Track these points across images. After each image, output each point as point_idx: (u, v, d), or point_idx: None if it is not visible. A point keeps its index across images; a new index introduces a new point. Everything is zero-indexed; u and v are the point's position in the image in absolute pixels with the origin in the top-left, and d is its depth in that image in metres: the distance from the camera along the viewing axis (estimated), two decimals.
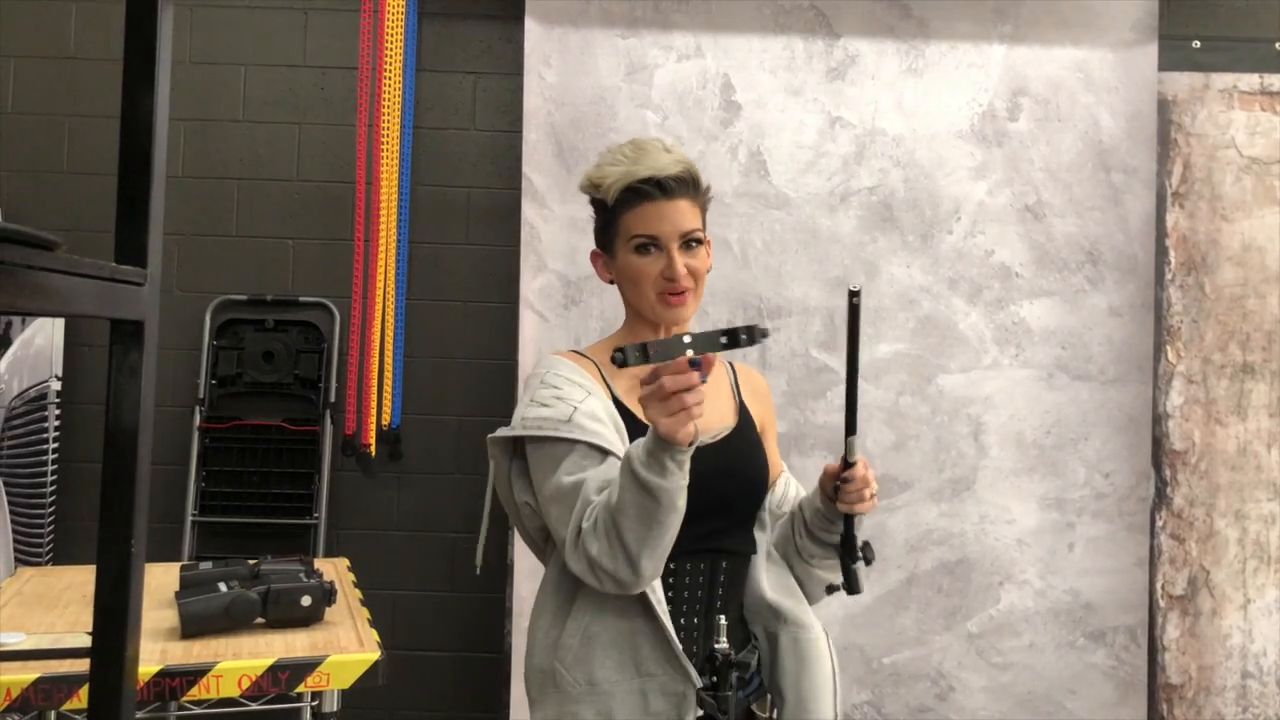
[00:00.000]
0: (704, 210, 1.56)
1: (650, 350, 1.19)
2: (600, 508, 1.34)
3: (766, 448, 1.61)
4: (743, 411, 1.60)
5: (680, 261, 1.49)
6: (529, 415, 1.44)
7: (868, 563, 1.45)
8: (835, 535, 1.47)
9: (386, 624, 2.02)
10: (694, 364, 1.22)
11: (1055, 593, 2.95)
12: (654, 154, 1.51)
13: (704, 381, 1.24)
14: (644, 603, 1.40)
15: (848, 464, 1.42)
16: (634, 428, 1.46)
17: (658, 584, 1.42)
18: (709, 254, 1.56)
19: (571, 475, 1.39)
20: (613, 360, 1.20)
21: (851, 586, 1.44)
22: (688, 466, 1.29)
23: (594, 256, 1.59)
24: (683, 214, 1.50)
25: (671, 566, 1.43)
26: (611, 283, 1.56)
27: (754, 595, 1.53)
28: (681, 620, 1.45)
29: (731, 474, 1.51)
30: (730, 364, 1.66)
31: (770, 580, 1.53)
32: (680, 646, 1.40)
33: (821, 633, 1.52)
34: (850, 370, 1.39)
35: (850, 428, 1.40)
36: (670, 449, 1.26)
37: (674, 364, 1.22)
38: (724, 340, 1.22)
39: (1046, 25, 3.02)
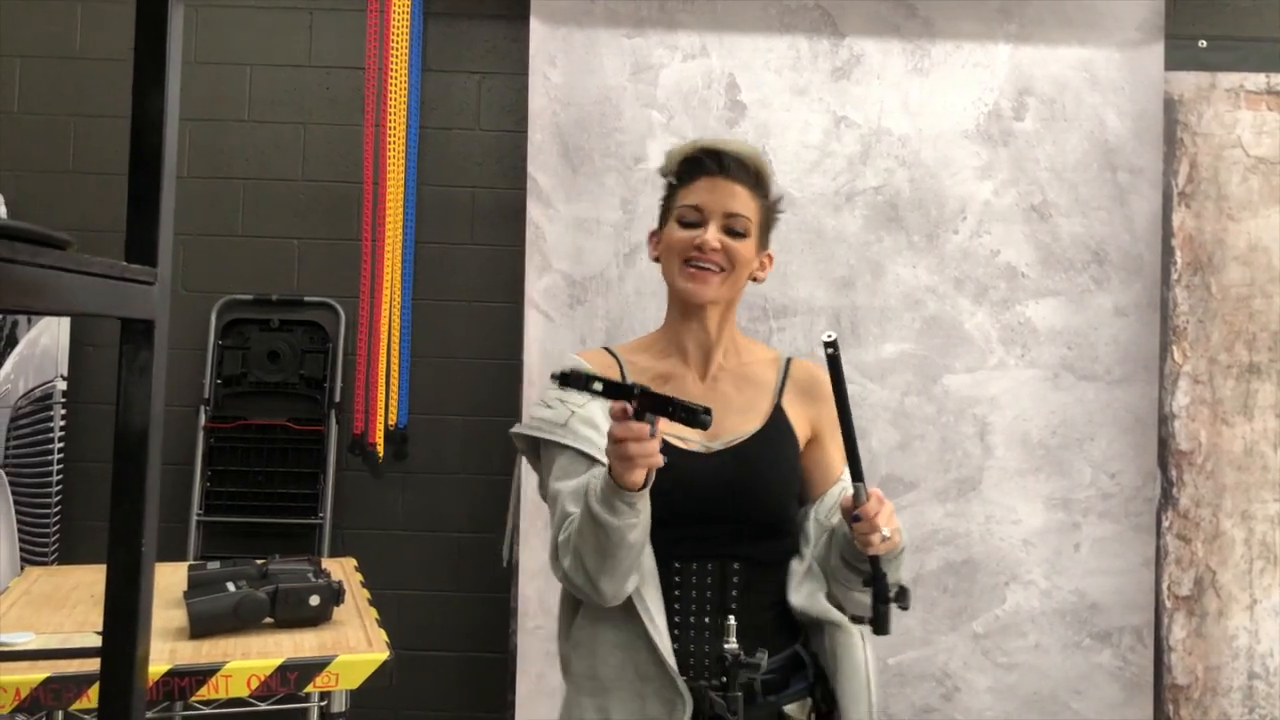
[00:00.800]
0: (764, 214, 1.53)
1: (558, 376, 1.22)
2: (573, 526, 1.39)
3: (817, 453, 1.56)
4: (776, 416, 1.54)
5: (716, 234, 1.46)
6: (533, 415, 1.51)
7: (901, 607, 1.37)
8: (865, 565, 1.40)
9: (392, 623, 2.02)
10: (640, 417, 1.22)
11: (1061, 593, 2.95)
12: (732, 140, 1.53)
13: (652, 436, 1.24)
14: (642, 608, 1.41)
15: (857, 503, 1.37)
16: None
17: (654, 591, 1.42)
18: (757, 256, 1.52)
19: (559, 481, 1.45)
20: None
21: (878, 626, 1.37)
22: (641, 507, 1.31)
23: (650, 235, 1.59)
24: (734, 195, 1.48)
25: (677, 566, 1.44)
26: (657, 260, 1.56)
27: (789, 602, 1.50)
28: (691, 619, 1.44)
29: (734, 483, 1.47)
30: (787, 361, 1.60)
31: (805, 589, 1.49)
32: (671, 657, 1.40)
33: (857, 636, 1.49)
34: (844, 420, 1.33)
35: (856, 474, 1.35)
36: (619, 492, 1.29)
37: (626, 425, 1.23)
38: (670, 409, 1.21)
39: (1052, 25, 3.01)
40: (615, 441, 1.24)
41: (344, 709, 1.91)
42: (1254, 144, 3.11)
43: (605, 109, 2.97)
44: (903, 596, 1.37)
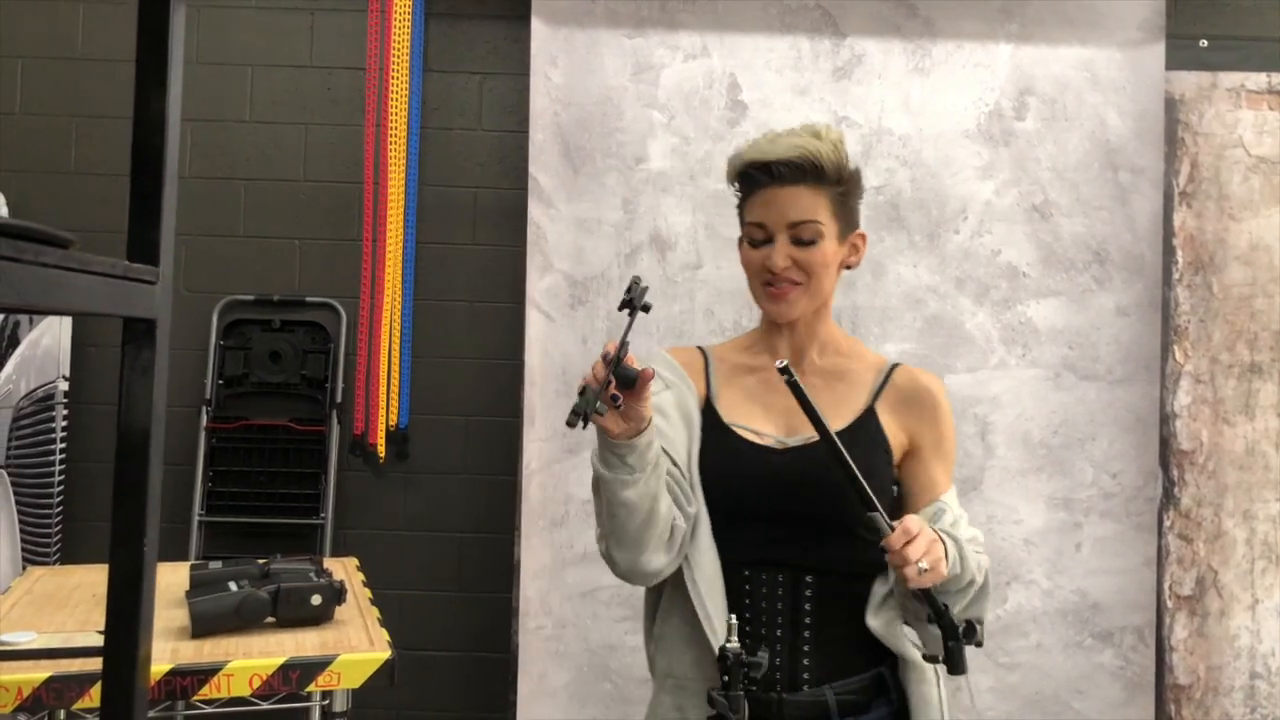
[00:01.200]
0: (836, 202, 1.42)
1: (571, 417, 1.21)
2: None
3: (915, 467, 1.45)
4: (865, 418, 1.45)
5: (784, 253, 1.39)
6: None
7: (974, 644, 1.27)
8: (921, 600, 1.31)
9: (393, 624, 2.02)
10: (618, 368, 1.22)
11: (1063, 593, 2.95)
12: (785, 138, 1.41)
13: (630, 388, 1.23)
14: (701, 610, 1.38)
15: (878, 534, 1.27)
16: (714, 427, 1.45)
17: (717, 594, 1.37)
18: (840, 248, 1.44)
19: None
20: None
21: (953, 666, 1.26)
22: (633, 462, 1.29)
23: (738, 241, 1.52)
24: (794, 202, 1.39)
25: (746, 574, 1.40)
26: None
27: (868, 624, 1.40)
28: (763, 631, 1.39)
29: (805, 481, 1.38)
30: (892, 366, 1.50)
31: (884, 615, 1.40)
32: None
33: (931, 673, 1.41)
34: (829, 446, 1.25)
35: (867, 504, 1.25)
36: (607, 443, 1.29)
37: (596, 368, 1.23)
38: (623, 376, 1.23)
39: (1053, 24, 3.01)
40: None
41: (346, 708, 1.91)
42: (1255, 143, 3.11)
43: (606, 109, 2.97)
44: (971, 634, 1.26)
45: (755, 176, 1.42)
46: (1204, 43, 3.13)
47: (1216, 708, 3.05)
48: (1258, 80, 3.12)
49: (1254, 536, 3.08)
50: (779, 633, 1.39)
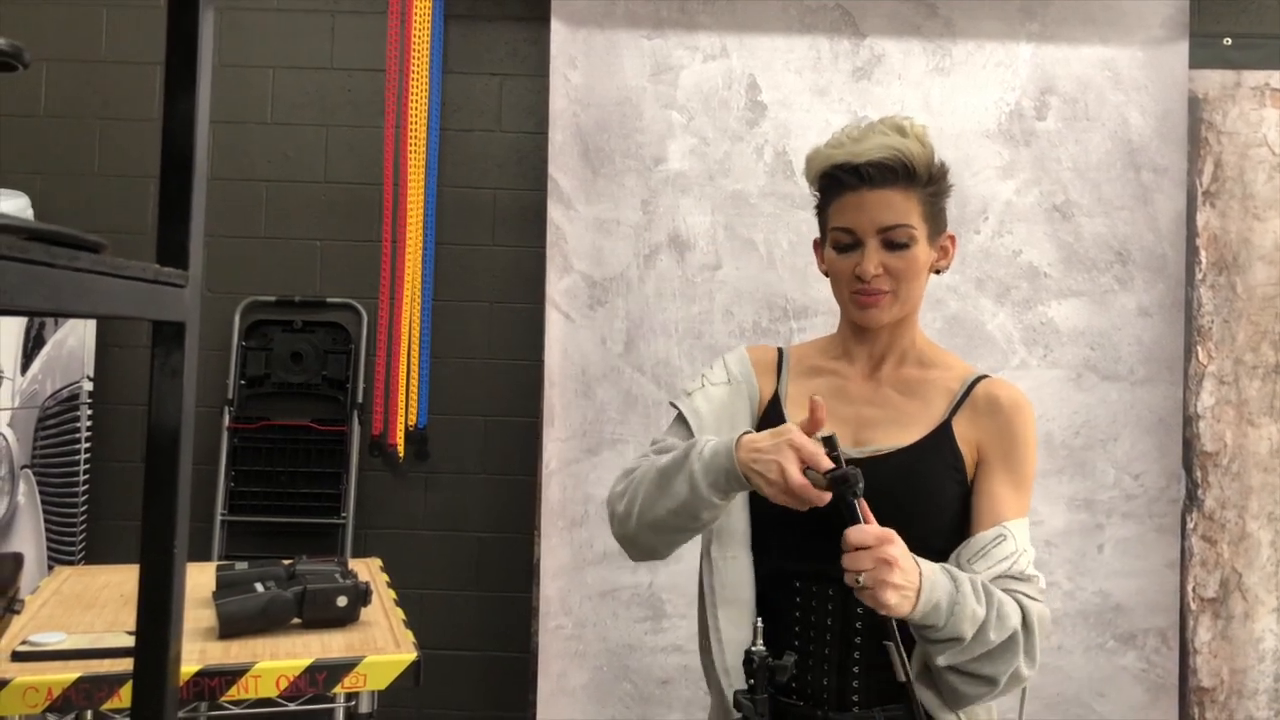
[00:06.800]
0: (927, 204, 1.36)
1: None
2: (651, 459, 1.34)
3: (980, 483, 1.35)
4: (940, 432, 1.36)
5: (875, 259, 1.33)
6: (682, 388, 1.49)
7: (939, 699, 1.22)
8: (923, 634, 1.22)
9: (413, 623, 2.02)
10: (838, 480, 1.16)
11: (1084, 594, 2.93)
12: (870, 136, 1.34)
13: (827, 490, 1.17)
14: (713, 623, 1.35)
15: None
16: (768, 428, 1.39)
17: (739, 601, 1.34)
18: (931, 251, 1.39)
19: (665, 432, 1.44)
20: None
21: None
22: (732, 498, 1.25)
23: (815, 244, 1.46)
24: (885, 206, 1.33)
25: (797, 585, 1.34)
26: (826, 274, 1.43)
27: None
28: (811, 647, 1.33)
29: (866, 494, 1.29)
30: (976, 379, 1.41)
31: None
32: (723, 676, 1.32)
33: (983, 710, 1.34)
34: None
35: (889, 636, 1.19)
36: (735, 475, 1.21)
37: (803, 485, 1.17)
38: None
39: (1074, 23, 3.00)
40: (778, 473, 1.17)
41: (371, 709, 1.92)
42: None
43: (625, 110, 2.97)
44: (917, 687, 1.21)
45: (841, 178, 1.35)
46: (1228, 41, 3.11)
47: (1241, 710, 3.02)
48: None
49: (1279, 539, 3.05)
50: (827, 650, 1.33)
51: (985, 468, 1.35)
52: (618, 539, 1.39)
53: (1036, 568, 1.32)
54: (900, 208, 1.34)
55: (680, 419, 1.43)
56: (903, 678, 1.17)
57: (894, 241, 1.34)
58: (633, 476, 1.36)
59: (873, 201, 1.33)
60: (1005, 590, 1.26)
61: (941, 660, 1.22)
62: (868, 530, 1.16)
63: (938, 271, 1.43)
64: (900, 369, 1.43)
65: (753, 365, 1.47)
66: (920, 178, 1.35)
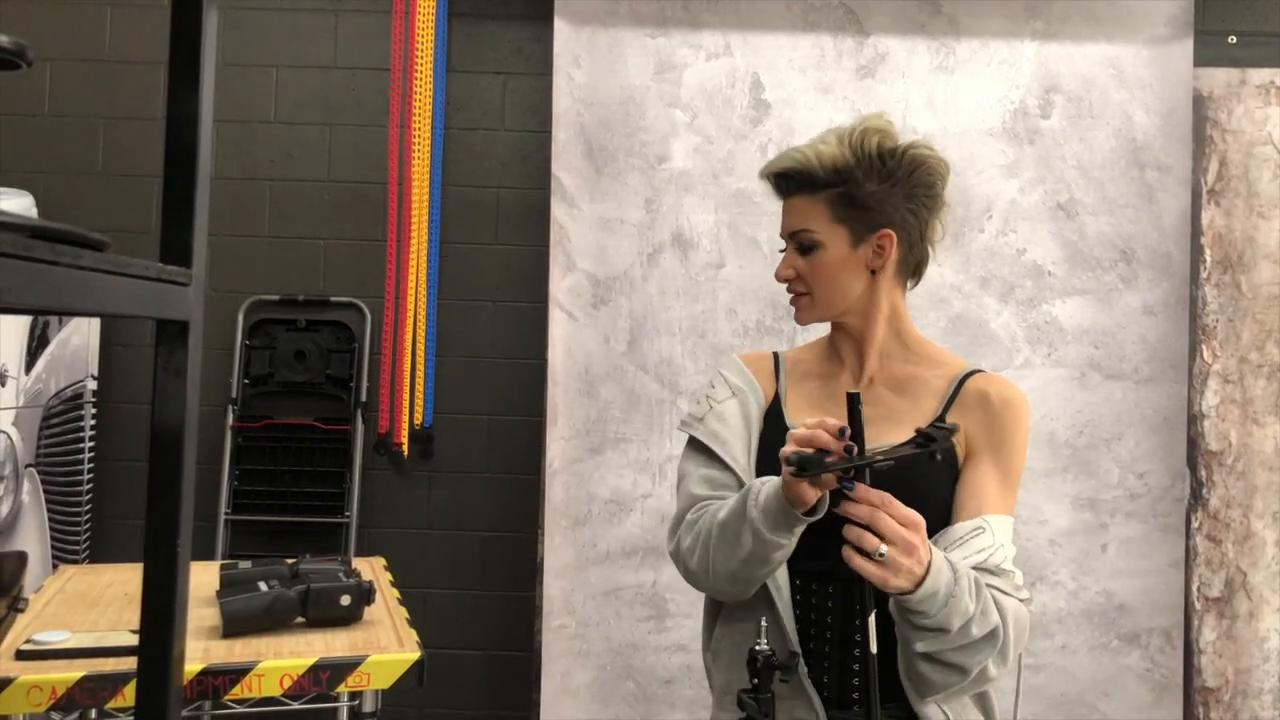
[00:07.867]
0: (840, 205, 1.36)
1: (803, 469, 1.14)
2: (708, 513, 1.34)
3: (965, 473, 1.36)
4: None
5: (786, 262, 1.41)
6: (687, 410, 1.53)
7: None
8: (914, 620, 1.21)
9: (417, 622, 2.02)
10: (844, 485, 1.14)
11: (1088, 594, 2.93)
12: (793, 149, 1.38)
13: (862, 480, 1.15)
14: (773, 621, 1.35)
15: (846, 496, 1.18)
16: (778, 428, 1.40)
17: (783, 607, 1.34)
18: (853, 252, 1.37)
19: (686, 463, 1.44)
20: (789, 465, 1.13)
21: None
22: (797, 532, 1.24)
23: None
24: (792, 211, 1.40)
25: (797, 584, 1.36)
26: None
27: None
28: (811, 645, 1.35)
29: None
30: (967, 374, 1.41)
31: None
32: (807, 680, 1.32)
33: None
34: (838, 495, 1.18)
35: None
36: (790, 513, 1.20)
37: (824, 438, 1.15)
38: (909, 447, 1.14)
39: (1079, 21, 2.99)
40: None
41: (375, 709, 1.92)
42: None
43: (629, 109, 2.97)
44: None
45: (774, 189, 1.44)
46: (1233, 39, 3.10)
47: (1245, 710, 3.02)
48: None
49: None
50: (826, 649, 1.34)
51: (972, 460, 1.36)
52: (697, 588, 1.40)
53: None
54: (803, 213, 1.39)
55: (697, 444, 1.43)
56: (874, 649, 1.14)
57: (802, 244, 1.40)
58: (696, 529, 1.35)
59: (787, 209, 1.42)
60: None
61: (920, 646, 1.22)
62: (885, 499, 1.14)
63: (873, 271, 1.39)
64: (888, 366, 1.44)
65: (752, 371, 1.49)
66: (821, 181, 1.36)
